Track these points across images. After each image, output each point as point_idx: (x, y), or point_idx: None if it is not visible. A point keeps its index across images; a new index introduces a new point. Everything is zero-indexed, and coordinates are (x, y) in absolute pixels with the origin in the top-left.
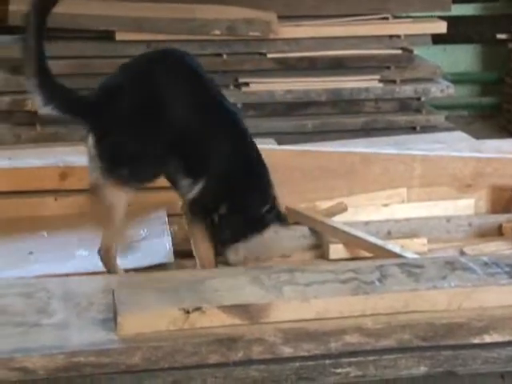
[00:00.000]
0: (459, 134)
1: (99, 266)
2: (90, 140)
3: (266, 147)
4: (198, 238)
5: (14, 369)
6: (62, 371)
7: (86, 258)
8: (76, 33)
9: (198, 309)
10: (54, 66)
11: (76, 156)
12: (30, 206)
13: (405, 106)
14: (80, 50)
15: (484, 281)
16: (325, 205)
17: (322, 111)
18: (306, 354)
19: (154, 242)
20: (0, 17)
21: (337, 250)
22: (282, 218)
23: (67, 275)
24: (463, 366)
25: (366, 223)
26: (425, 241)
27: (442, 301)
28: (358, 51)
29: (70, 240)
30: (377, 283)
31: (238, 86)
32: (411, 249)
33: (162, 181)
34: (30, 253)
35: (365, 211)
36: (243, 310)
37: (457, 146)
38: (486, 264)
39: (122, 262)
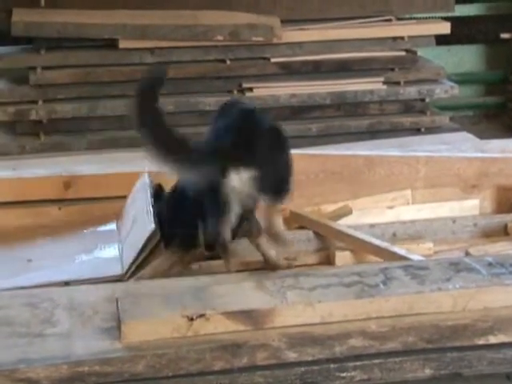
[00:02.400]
0: (464, 135)
1: (99, 272)
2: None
3: None
4: None
5: (18, 380)
6: (65, 381)
7: (86, 264)
8: (79, 42)
9: (201, 315)
10: (58, 75)
11: (80, 165)
12: (34, 216)
13: (409, 107)
14: (84, 59)
15: (489, 281)
16: (330, 208)
17: (326, 114)
18: (310, 358)
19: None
20: (3, 28)
21: (343, 257)
22: None
23: (66, 282)
24: (469, 367)
25: (372, 226)
26: (430, 245)
27: (446, 302)
28: (362, 54)
29: (69, 247)
30: (381, 286)
31: (241, 91)
32: (417, 253)
33: None
34: (29, 260)
35: (370, 214)
36: (247, 315)
37: (462, 147)
38: (490, 264)
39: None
